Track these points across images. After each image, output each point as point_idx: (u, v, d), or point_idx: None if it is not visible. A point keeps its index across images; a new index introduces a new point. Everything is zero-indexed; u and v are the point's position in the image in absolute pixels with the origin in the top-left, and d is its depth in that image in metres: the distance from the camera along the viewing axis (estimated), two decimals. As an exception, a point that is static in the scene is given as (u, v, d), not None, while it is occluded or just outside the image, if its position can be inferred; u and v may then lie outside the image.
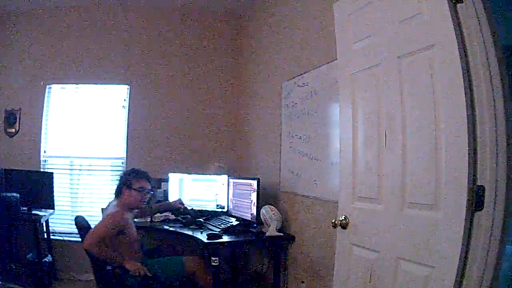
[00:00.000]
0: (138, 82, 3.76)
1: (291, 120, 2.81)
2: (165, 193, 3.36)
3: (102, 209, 2.86)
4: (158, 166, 3.43)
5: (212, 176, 3.34)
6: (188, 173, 3.36)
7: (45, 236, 3.50)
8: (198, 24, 3.88)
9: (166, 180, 3.35)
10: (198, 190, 3.32)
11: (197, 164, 3.65)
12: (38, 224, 3.21)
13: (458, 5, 1.31)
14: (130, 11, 3.83)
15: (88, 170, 3.76)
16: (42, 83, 3.75)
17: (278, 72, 3.07)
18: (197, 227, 2.84)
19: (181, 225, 2.91)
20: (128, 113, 3.73)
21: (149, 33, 3.83)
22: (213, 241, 2.51)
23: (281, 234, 2.67)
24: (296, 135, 2.73)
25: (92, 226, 2.41)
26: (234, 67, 3.94)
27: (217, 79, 3.89)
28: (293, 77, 2.78)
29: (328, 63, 2.31)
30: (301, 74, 2.67)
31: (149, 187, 2.65)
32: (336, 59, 1.96)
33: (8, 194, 2.93)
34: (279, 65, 3.07)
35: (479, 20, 1.26)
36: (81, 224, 2.47)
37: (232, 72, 3.93)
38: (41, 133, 3.73)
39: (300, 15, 2.74)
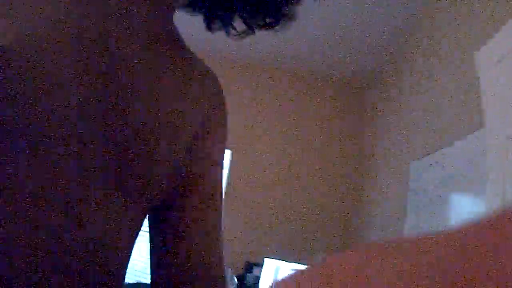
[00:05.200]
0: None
1: (420, 210, 2.14)
2: (257, 280, 2.88)
3: None
4: (252, 247, 3.03)
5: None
6: (286, 261, 2.85)
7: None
8: (311, 91, 3.54)
9: (260, 265, 2.90)
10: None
11: (297, 250, 3.11)
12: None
13: None
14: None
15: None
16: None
17: (404, 149, 2.49)
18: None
19: None
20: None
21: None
22: None
23: None
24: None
25: None
26: (349, 144, 3.45)
27: (329, 157, 3.41)
28: (425, 156, 2.16)
29: (470, 133, 1.67)
30: (435, 151, 2.05)
31: None
32: (481, 128, 1.36)
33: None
34: (406, 139, 2.49)
35: None
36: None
37: (347, 149, 3.43)
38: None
39: (435, 74, 2.20)
